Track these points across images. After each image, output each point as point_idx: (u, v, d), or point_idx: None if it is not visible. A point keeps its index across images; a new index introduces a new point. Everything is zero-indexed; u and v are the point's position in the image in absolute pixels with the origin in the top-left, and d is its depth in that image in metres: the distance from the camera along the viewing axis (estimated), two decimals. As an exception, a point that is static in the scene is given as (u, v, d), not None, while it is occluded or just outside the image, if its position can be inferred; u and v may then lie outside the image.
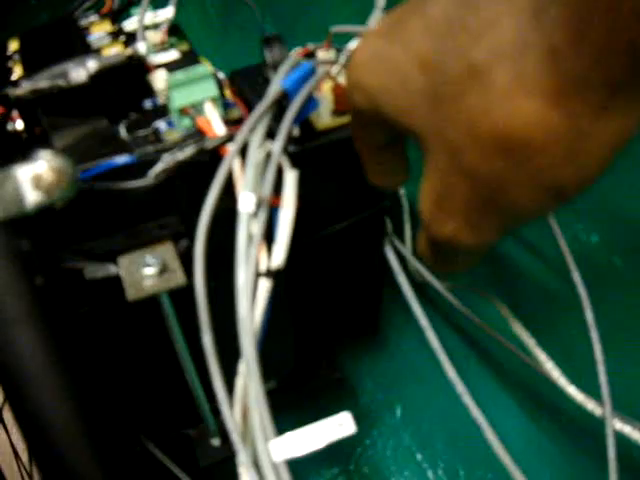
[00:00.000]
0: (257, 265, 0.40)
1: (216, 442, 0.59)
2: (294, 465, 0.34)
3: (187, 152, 0.42)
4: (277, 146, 0.42)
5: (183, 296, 0.42)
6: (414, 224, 0.68)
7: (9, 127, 0.47)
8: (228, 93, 0.53)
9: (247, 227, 0.40)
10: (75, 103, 0.47)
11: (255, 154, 0.41)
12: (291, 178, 0.43)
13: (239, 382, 0.40)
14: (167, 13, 0.55)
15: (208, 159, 0.42)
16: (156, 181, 0.42)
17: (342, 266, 0.60)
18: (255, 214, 0.40)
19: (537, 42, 0.23)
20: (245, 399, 0.39)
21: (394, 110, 0.29)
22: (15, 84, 0.46)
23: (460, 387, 0.56)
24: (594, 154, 0.25)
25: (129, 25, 0.55)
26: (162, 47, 0.54)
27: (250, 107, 0.51)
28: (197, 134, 0.44)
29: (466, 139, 0.25)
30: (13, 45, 0.52)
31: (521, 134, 0.24)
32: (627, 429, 0.49)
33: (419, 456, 0.70)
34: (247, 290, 0.38)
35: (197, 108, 0.45)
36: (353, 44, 0.52)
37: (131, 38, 0.53)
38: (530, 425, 0.64)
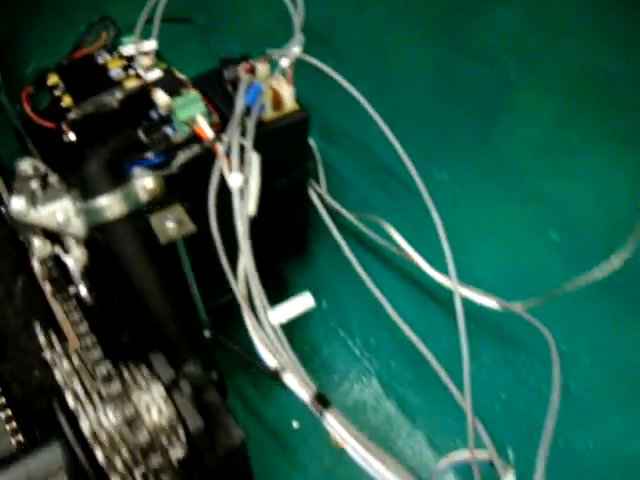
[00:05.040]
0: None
1: (207, 333, 0.87)
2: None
3: (195, 150, 0.68)
4: (249, 143, 0.69)
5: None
6: (325, 168, 0.96)
7: (65, 139, 0.72)
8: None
9: (239, 196, 0.67)
10: (110, 120, 0.72)
11: (237, 150, 0.68)
12: (256, 159, 0.71)
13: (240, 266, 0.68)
14: (151, 44, 0.79)
15: (207, 154, 0.69)
16: (177, 171, 0.68)
17: (281, 207, 0.88)
18: (241, 189, 0.68)
19: None
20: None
21: None
22: (68, 110, 0.71)
23: (370, 284, 0.85)
24: None
25: (125, 51, 0.79)
26: (150, 68, 0.79)
27: (214, 104, 0.77)
28: (196, 138, 0.70)
29: None
30: (52, 79, 0.76)
31: None
32: (471, 294, 0.79)
33: (341, 332, 1.01)
34: (244, 231, 0.66)
35: (192, 119, 0.71)
36: (284, 62, 0.79)
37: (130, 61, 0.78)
38: (412, 302, 0.95)
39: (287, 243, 0.95)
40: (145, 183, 0.57)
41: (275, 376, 0.64)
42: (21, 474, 0.50)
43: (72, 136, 0.72)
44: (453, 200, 0.81)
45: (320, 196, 0.94)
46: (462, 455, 0.71)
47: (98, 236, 0.57)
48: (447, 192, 0.81)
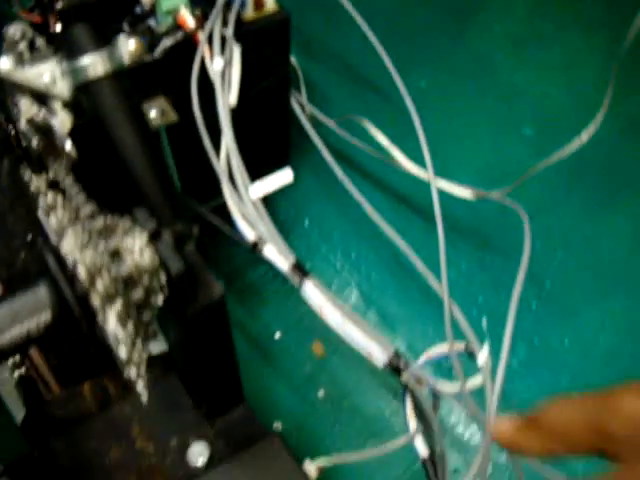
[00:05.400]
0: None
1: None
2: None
3: (177, 37, 0.70)
4: (230, 31, 0.71)
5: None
6: (306, 82, 0.97)
7: (52, 31, 0.73)
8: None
9: (220, 77, 0.69)
10: (95, 12, 0.73)
11: (218, 37, 0.70)
12: (237, 49, 0.72)
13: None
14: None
15: (189, 47, 0.71)
16: (160, 56, 0.70)
17: (263, 113, 0.90)
18: (223, 71, 0.69)
19: None
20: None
21: None
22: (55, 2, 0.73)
23: (351, 188, 0.87)
24: None
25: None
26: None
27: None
28: (178, 27, 0.72)
29: None
30: (38, -26, 0.77)
31: None
32: (446, 185, 0.80)
33: (323, 247, 1.03)
34: (226, 115, 0.68)
35: (175, 9, 0.73)
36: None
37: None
38: (391, 207, 0.97)
39: (269, 154, 0.97)
40: (128, 44, 0.59)
41: (255, 248, 0.66)
42: (5, 313, 0.52)
43: (58, 27, 0.73)
44: (430, 103, 0.82)
45: (301, 105, 0.95)
46: (440, 348, 0.73)
47: (82, 98, 0.59)
48: (425, 96, 0.83)
